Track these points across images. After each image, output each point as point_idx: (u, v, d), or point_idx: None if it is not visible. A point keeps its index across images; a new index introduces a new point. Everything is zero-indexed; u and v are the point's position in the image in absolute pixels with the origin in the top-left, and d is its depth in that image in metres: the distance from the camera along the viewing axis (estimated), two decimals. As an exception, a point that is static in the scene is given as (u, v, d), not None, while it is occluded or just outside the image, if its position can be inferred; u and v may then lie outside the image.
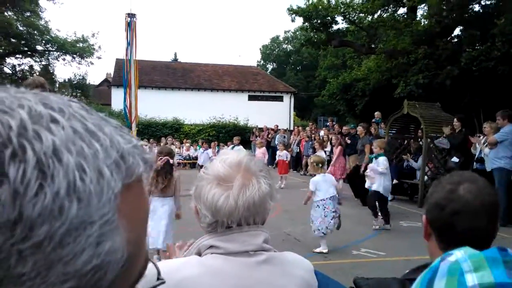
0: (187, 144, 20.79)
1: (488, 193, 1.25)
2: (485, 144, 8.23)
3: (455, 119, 9.69)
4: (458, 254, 0.65)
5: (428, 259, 1.37)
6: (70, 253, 0.38)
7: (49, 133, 0.38)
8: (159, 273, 0.61)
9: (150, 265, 0.54)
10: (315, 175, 6.27)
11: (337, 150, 12.05)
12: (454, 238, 1.25)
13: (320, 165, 6.23)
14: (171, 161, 5.09)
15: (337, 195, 6.21)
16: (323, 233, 6.02)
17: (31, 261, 0.36)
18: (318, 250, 6.04)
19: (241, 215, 1.13)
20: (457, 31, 17.37)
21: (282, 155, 13.55)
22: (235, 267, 1.13)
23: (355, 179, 10.25)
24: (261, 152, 14.23)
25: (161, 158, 5.01)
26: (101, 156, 0.40)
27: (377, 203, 7.50)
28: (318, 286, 1.31)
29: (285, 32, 52.25)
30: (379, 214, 7.48)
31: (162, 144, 16.99)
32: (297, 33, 45.99)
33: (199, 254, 1.18)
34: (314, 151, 13.02)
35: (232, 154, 1.22)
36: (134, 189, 0.44)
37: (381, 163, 7.40)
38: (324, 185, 6.09)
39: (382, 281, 1.32)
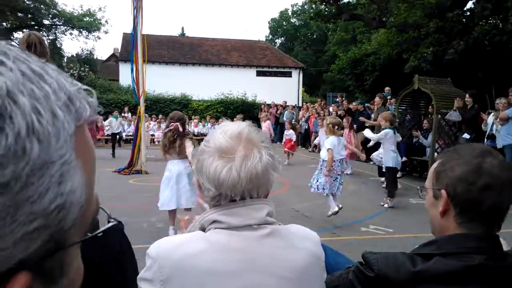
0: (195, 120, 20.81)
1: (510, 168, 1.24)
2: (497, 119, 8.14)
3: (467, 95, 9.54)
4: None
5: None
6: (36, 193, 0.39)
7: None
8: (109, 216, 0.63)
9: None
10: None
11: (348, 133, 11.82)
12: (479, 213, 1.23)
13: (336, 127, 6.24)
14: (180, 128, 5.22)
15: (346, 160, 6.29)
16: (325, 193, 6.09)
17: (0, 202, 0.37)
18: (330, 212, 6.11)
19: (244, 187, 1.11)
20: (470, 4, 16.99)
21: (289, 134, 13.40)
22: (238, 241, 1.12)
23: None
24: (265, 126, 14.16)
25: (172, 124, 5.22)
26: (52, 98, 0.41)
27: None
28: (326, 260, 1.30)
29: (293, 6, 51.45)
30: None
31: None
32: (305, 6, 45.29)
33: (203, 229, 1.18)
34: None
35: (232, 125, 1.20)
36: (83, 132, 0.45)
37: (381, 133, 7.42)
38: (337, 147, 6.16)
39: (390, 255, 1.30)
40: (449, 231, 1.28)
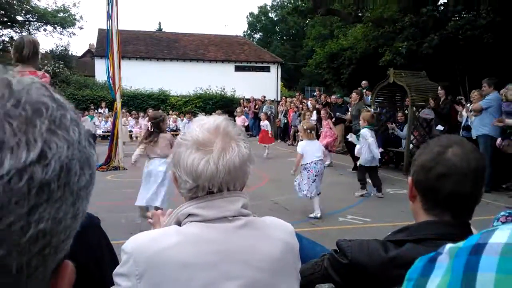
0: (174, 116, 20.67)
1: (475, 158, 1.24)
2: (471, 111, 8.33)
3: (439, 87, 9.73)
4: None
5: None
6: None
7: None
8: None
9: None
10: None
11: (327, 123, 12.05)
12: (438, 201, 1.26)
13: (309, 130, 6.41)
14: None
15: (323, 161, 6.47)
16: (309, 196, 6.15)
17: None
18: (312, 215, 6.19)
19: (222, 179, 1.12)
20: (443, -1, 17.24)
21: (263, 125, 13.62)
22: (214, 233, 1.13)
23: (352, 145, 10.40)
24: (240, 120, 14.36)
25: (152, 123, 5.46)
26: None
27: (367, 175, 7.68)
28: (303, 250, 1.32)
29: (273, 0, 51.23)
30: (369, 183, 7.63)
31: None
32: (284, 2, 45.30)
33: (179, 223, 1.18)
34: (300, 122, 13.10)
35: (209, 119, 1.21)
36: None
37: (362, 135, 7.55)
38: (310, 149, 6.27)
39: (363, 242, 1.33)
40: (419, 216, 1.32)
